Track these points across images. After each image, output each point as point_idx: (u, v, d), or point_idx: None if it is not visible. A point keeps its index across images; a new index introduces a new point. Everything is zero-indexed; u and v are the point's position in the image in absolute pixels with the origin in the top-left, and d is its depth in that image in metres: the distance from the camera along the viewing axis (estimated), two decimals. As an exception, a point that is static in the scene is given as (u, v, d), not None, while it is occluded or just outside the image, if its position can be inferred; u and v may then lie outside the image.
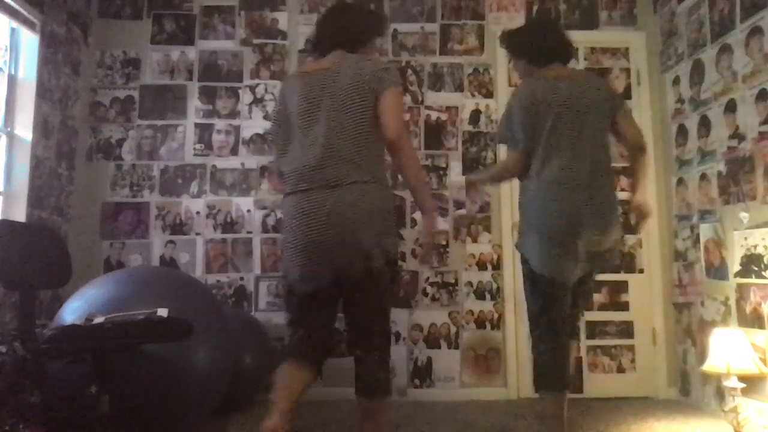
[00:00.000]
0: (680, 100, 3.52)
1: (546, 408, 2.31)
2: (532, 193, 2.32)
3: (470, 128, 3.80)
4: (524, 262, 2.38)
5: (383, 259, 1.98)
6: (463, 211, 3.73)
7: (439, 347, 3.62)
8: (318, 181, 1.96)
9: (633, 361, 3.60)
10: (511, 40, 2.50)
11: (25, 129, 3.18)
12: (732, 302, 2.96)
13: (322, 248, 1.95)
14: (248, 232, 3.70)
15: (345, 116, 1.99)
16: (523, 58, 2.45)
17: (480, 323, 3.64)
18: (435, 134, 3.79)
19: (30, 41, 3.23)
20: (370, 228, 1.94)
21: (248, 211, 3.72)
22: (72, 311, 2.44)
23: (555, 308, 2.27)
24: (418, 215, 3.71)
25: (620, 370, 3.58)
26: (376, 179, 1.99)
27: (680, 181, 3.51)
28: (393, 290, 2.28)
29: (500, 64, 3.84)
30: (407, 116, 3.80)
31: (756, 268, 2.78)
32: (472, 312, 3.65)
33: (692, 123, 3.38)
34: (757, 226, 2.78)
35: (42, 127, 3.28)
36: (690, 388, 3.38)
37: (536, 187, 2.30)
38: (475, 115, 3.82)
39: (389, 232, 2.02)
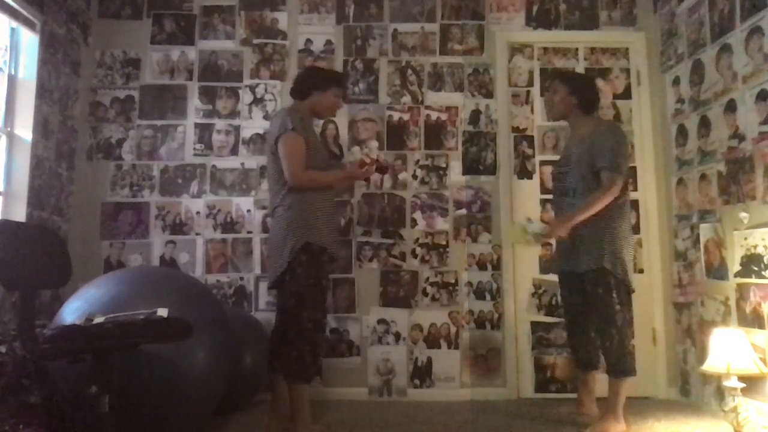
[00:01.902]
0: (680, 100, 3.52)
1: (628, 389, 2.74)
2: (627, 221, 2.81)
3: (470, 128, 3.80)
4: (620, 280, 2.72)
5: (284, 267, 2.54)
6: (463, 211, 3.73)
7: (439, 347, 3.62)
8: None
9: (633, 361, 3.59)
10: (578, 80, 3.05)
11: (25, 129, 3.18)
12: (732, 302, 2.96)
13: None
14: (248, 232, 3.70)
15: (270, 156, 2.69)
16: (577, 97, 2.90)
17: (480, 323, 3.64)
18: (435, 134, 3.79)
19: (30, 41, 3.23)
20: (273, 244, 2.64)
21: (248, 211, 3.72)
22: (72, 311, 2.44)
23: None
24: (417, 215, 3.71)
25: (620, 370, 3.58)
26: (283, 205, 2.61)
27: (680, 181, 3.51)
28: (300, 294, 2.55)
29: (500, 64, 3.84)
30: (407, 116, 3.80)
31: (756, 268, 2.78)
32: (472, 312, 3.65)
33: (692, 123, 3.38)
34: (757, 226, 2.78)
35: (42, 127, 3.28)
36: (690, 388, 3.38)
37: (628, 215, 2.83)
38: (475, 115, 3.82)
39: (284, 246, 2.57)
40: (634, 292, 2.80)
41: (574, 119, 2.95)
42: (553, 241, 3.57)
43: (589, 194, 2.74)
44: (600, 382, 2.98)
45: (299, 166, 2.56)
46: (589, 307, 2.83)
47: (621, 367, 2.70)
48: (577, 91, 2.92)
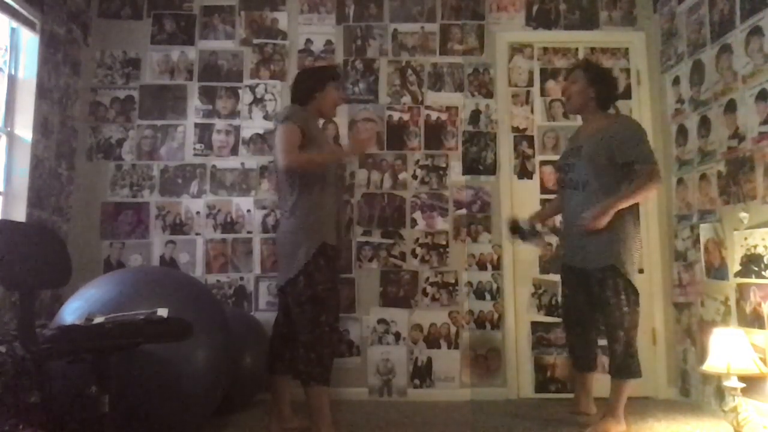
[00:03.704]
0: (680, 100, 3.52)
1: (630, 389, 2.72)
2: (638, 221, 2.82)
3: (470, 128, 3.80)
4: (628, 281, 2.68)
5: (299, 269, 2.51)
6: (463, 211, 3.73)
7: (439, 347, 3.62)
8: None
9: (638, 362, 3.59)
10: (600, 74, 2.90)
11: (25, 129, 3.18)
12: (732, 302, 2.96)
13: None
14: (248, 232, 3.70)
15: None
16: (595, 90, 2.83)
17: (480, 323, 3.64)
18: (435, 134, 3.79)
19: (30, 41, 3.23)
20: (285, 246, 2.59)
21: (248, 211, 3.72)
22: (72, 311, 2.43)
23: None
24: (417, 215, 3.71)
25: (620, 370, 3.58)
26: (294, 208, 2.57)
27: (680, 181, 3.51)
28: (319, 299, 2.52)
29: (500, 64, 3.84)
30: (407, 116, 3.80)
31: (756, 268, 2.78)
32: (472, 312, 3.65)
33: (692, 123, 3.38)
34: (757, 226, 2.78)
35: (42, 127, 3.28)
36: (690, 388, 3.38)
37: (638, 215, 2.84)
38: (475, 115, 3.82)
39: (298, 249, 2.53)
40: (638, 294, 2.73)
41: (588, 113, 2.87)
42: (554, 240, 3.58)
43: (603, 189, 2.70)
44: (599, 381, 2.98)
45: (290, 149, 2.49)
46: (594, 307, 2.81)
47: (626, 368, 2.68)
48: (596, 84, 2.83)
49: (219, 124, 3.79)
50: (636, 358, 2.70)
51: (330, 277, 2.57)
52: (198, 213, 3.71)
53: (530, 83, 3.85)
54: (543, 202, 3.70)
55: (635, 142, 2.69)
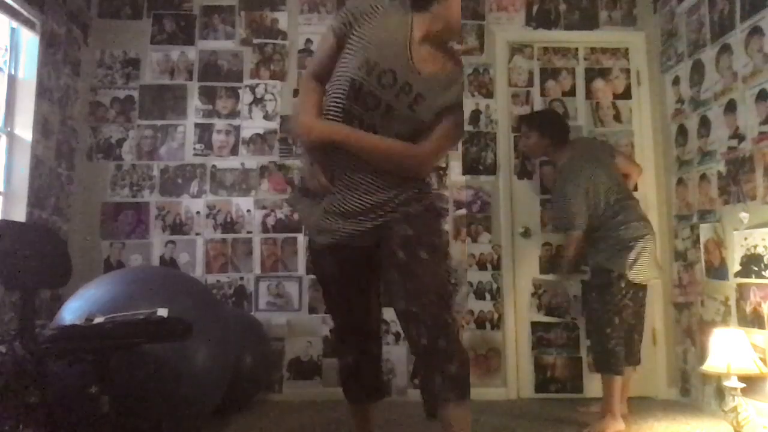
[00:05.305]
0: (680, 100, 3.52)
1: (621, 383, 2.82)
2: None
3: (470, 128, 3.80)
4: (619, 277, 2.87)
5: None
6: (463, 211, 3.73)
7: (439, 347, 3.61)
8: None
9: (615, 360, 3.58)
10: (543, 119, 3.25)
11: (25, 129, 3.18)
12: (732, 302, 2.96)
13: None
14: (248, 232, 3.70)
15: None
16: (549, 136, 3.11)
17: (480, 323, 3.64)
18: (435, 134, 3.79)
19: (30, 41, 3.23)
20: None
21: (248, 211, 3.72)
22: (72, 311, 2.43)
23: None
24: (418, 215, 3.71)
25: (620, 370, 3.58)
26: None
27: (680, 181, 3.51)
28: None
29: (500, 64, 3.84)
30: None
31: (756, 268, 2.78)
32: (472, 312, 3.64)
33: (692, 123, 3.38)
34: (757, 226, 2.78)
35: (42, 127, 3.27)
36: (690, 388, 3.38)
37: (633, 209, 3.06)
38: (475, 115, 3.81)
39: None
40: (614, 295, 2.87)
41: (552, 154, 3.18)
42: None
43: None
44: (599, 381, 2.98)
45: (308, 68, 1.98)
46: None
47: (603, 364, 2.84)
48: (546, 130, 3.13)
49: (219, 124, 3.79)
50: (611, 355, 2.80)
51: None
52: (198, 213, 3.71)
53: (530, 83, 3.85)
54: (543, 202, 3.71)
55: (562, 203, 3.01)
